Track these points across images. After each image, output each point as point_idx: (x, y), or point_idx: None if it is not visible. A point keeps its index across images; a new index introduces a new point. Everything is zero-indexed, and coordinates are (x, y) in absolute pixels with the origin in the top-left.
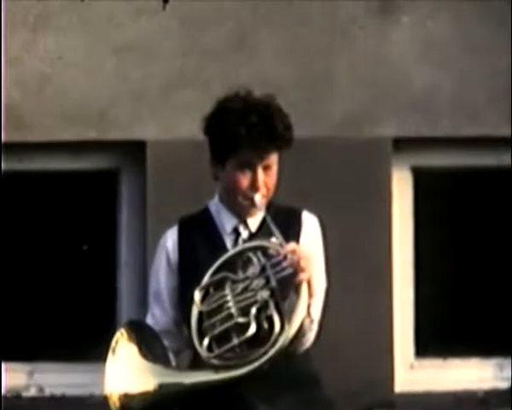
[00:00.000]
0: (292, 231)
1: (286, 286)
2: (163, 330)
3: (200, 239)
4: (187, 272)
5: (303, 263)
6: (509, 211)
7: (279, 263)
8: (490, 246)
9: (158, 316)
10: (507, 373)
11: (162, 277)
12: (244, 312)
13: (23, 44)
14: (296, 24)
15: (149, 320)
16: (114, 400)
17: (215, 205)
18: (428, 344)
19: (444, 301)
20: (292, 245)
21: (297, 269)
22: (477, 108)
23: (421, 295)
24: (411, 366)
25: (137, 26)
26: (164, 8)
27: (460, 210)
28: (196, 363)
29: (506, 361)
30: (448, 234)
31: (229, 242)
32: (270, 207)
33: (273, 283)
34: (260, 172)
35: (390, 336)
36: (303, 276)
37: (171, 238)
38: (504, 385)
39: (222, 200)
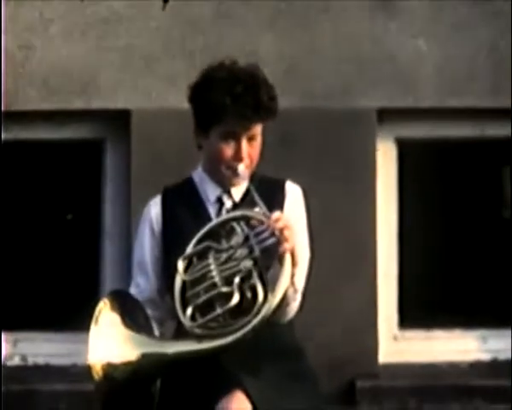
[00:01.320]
0: (275, 202)
1: (269, 256)
2: (147, 299)
3: (183, 209)
4: (171, 242)
5: (286, 233)
6: (492, 182)
7: (262, 232)
8: (474, 217)
9: (142, 285)
10: (490, 345)
11: (146, 246)
12: (228, 281)
13: (6, 15)
14: None
15: (133, 290)
16: (97, 369)
17: (199, 175)
18: (412, 316)
19: (428, 272)
20: (276, 213)
21: (280, 239)
22: (461, 80)
23: (405, 266)
24: (395, 338)
25: None
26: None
27: (444, 181)
28: (180, 333)
29: (489, 333)
30: (432, 205)
31: (212, 211)
32: (253, 177)
33: (256, 252)
34: (244, 142)
35: (374, 307)
36: (286, 245)
37: (154, 208)
38: (488, 357)
39: (205, 169)
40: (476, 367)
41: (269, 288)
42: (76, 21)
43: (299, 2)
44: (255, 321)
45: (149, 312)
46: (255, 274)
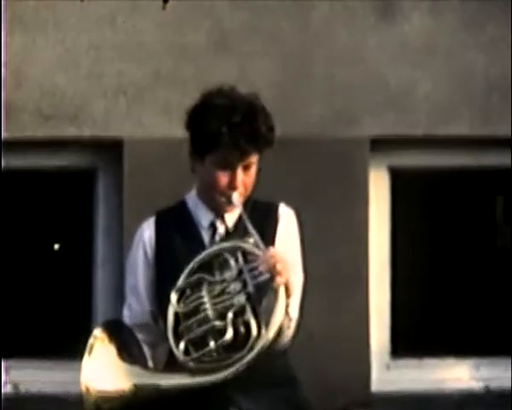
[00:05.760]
0: (268, 226)
1: (263, 290)
2: (139, 322)
3: (177, 233)
4: (164, 267)
5: (279, 267)
6: (486, 211)
7: (256, 268)
8: (466, 246)
9: (134, 309)
10: (483, 374)
11: (139, 270)
12: (221, 315)
13: None
14: (273, 24)
15: (125, 313)
16: (90, 400)
17: (192, 199)
18: (404, 344)
19: (420, 301)
20: (269, 250)
21: (273, 273)
22: (453, 108)
23: (398, 295)
24: (387, 366)
25: (114, 24)
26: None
27: (437, 210)
28: (173, 360)
29: (482, 361)
30: (425, 234)
31: (205, 236)
32: (247, 201)
33: (250, 288)
34: (239, 171)
35: (366, 336)
36: (280, 280)
37: (147, 231)
38: (480, 386)
39: (199, 195)
40: (469, 396)
41: (263, 322)
42: (68, 49)
43: (291, 31)
44: (249, 357)
45: (142, 336)
46: (248, 309)
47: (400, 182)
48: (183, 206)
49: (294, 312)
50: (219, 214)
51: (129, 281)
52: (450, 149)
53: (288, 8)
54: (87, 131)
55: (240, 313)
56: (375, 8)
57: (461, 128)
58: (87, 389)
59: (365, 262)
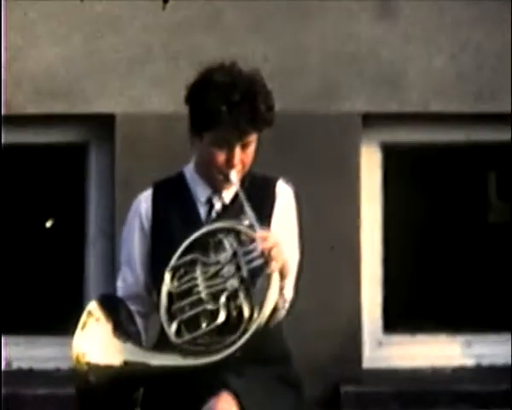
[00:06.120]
0: (266, 204)
1: (257, 274)
2: (133, 294)
3: (173, 207)
4: (160, 240)
5: (274, 252)
6: (478, 187)
7: (251, 252)
8: (458, 222)
9: (129, 280)
10: (474, 350)
11: (135, 242)
12: (214, 298)
13: None
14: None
15: (119, 284)
16: (80, 374)
17: (190, 173)
18: (396, 320)
19: (412, 277)
20: (264, 233)
21: (268, 259)
22: (446, 84)
23: (390, 271)
24: (379, 343)
25: (107, 0)
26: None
27: (429, 186)
28: (164, 338)
29: (474, 338)
30: (416, 210)
31: (202, 212)
32: (245, 177)
33: (244, 272)
34: (238, 149)
35: (358, 312)
36: (274, 265)
37: (144, 203)
38: (472, 362)
39: (197, 170)
40: (460, 372)
41: (256, 305)
42: (60, 24)
43: (284, 5)
44: (241, 341)
45: (135, 307)
46: (242, 294)
47: (392, 158)
48: (180, 179)
49: (289, 292)
50: (217, 190)
51: (124, 253)
52: (442, 125)
53: None
54: (80, 107)
55: (233, 297)
56: None
57: (453, 104)
58: (77, 361)
59: (357, 238)
